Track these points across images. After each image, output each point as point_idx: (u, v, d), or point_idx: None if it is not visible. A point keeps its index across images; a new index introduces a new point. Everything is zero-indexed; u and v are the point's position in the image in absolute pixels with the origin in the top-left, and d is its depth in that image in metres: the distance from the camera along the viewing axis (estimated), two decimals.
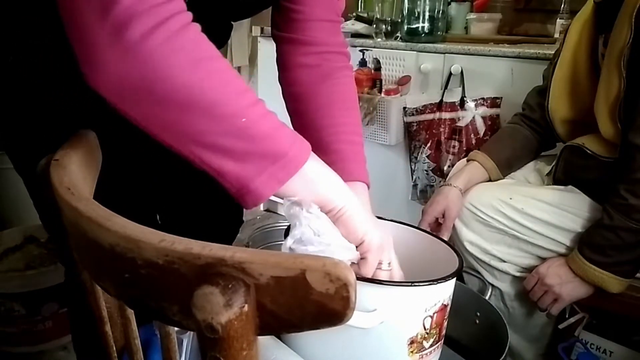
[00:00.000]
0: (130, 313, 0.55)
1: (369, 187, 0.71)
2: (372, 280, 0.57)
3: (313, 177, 0.51)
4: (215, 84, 0.45)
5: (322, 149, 0.62)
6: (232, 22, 0.82)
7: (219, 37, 0.82)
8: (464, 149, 1.60)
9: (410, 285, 0.59)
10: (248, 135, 0.46)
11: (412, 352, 0.61)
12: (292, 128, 0.54)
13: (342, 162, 0.69)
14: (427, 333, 0.61)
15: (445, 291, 0.62)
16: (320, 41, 0.74)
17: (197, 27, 0.46)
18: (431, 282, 0.59)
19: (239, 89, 0.47)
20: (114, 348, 0.59)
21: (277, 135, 0.48)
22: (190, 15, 0.45)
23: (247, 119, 0.45)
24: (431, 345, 0.63)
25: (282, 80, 0.78)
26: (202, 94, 0.44)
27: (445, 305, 0.63)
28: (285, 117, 0.76)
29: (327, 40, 0.75)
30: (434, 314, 0.61)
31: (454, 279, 0.62)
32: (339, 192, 0.53)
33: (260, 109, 0.48)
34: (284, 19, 0.75)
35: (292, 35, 0.74)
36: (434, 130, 1.67)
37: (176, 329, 0.55)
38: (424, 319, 0.60)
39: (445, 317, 0.64)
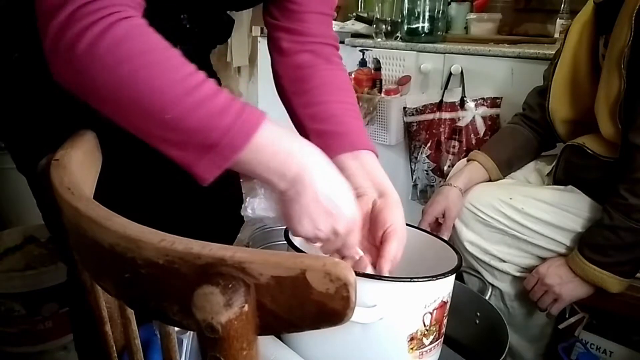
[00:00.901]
0: (130, 313, 0.55)
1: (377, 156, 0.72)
2: (371, 276, 0.57)
3: (253, 160, 0.50)
4: (138, 81, 0.46)
5: (332, 121, 0.66)
6: (233, 18, 0.83)
7: (220, 32, 0.82)
8: (464, 149, 1.60)
9: (409, 281, 0.59)
10: (178, 129, 0.48)
11: (412, 348, 0.62)
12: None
13: (353, 134, 0.70)
14: (426, 330, 0.62)
15: (444, 288, 0.62)
16: (314, 32, 0.76)
17: (128, 22, 0.47)
18: (430, 278, 0.59)
19: (170, 80, 0.47)
20: (114, 348, 0.59)
21: (210, 125, 0.47)
22: (122, 9, 0.47)
23: (172, 115, 0.47)
24: (431, 343, 0.63)
25: (278, 65, 0.79)
26: (126, 93, 0.46)
27: (445, 302, 0.63)
28: (285, 118, 0.76)
29: (321, 32, 0.77)
30: (433, 310, 0.61)
31: (453, 275, 0.62)
32: (285, 173, 0.52)
33: (196, 96, 0.47)
34: (279, 8, 0.76)
35: (288, 24, 0.76)
36: (434, 130, 1.67)
37: (176, 329, 0.55)
38: (424, 315, 0.61)
39: (445, 314, 0.64)
